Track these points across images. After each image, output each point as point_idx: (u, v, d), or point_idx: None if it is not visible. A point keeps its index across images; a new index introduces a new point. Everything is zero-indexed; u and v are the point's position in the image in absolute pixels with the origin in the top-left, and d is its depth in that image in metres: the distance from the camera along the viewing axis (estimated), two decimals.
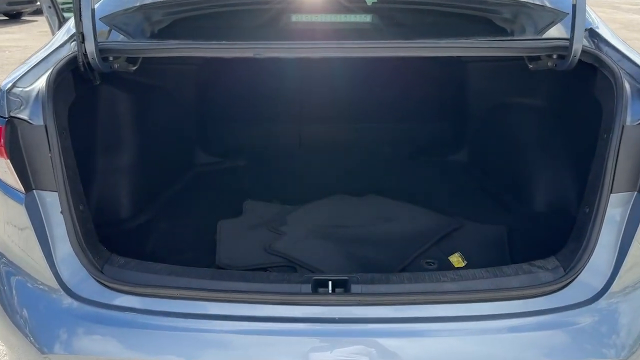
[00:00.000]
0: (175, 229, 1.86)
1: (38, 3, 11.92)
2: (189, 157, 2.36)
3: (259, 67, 2.31)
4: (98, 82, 1.53)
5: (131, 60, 1.60)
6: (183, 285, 1.25)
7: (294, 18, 1.74)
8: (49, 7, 3.84)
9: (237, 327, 1.19)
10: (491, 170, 2.21)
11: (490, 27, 1.73)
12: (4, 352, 2.01)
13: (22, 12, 13.24)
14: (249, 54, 1.39)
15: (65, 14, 3.85)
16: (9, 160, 1.25)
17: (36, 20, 13.12)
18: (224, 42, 1.41)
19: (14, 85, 1.31)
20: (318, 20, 1.77)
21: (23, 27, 12.10)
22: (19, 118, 1.26)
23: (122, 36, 1.65)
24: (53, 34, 3.79)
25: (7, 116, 1.26)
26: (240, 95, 2.42)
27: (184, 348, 1.20)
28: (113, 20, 1.66)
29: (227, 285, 1.24)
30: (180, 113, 2.24)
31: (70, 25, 1.62)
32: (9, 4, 12.29)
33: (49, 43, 1.58)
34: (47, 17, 3.84)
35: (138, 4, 1.76)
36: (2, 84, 1.34)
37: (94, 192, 1.79)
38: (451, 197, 2.09)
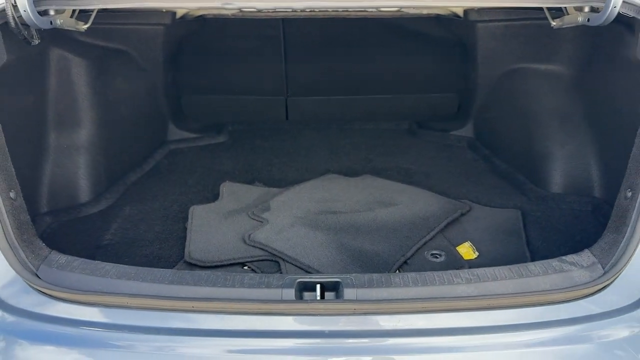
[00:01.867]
0: (141, 215, 1.61)
1: None
2: (160, 133, 2.11)
3: (238, 28, 2.04)
4: (37, 42, 1.26)
5: (81, 17, 1.34)
6: (136, 291, 1.01)
7: None
8: None
9: (203, 344, 0.96)
10: (501, 147, 1.98)
11: None
12: None
13: None
14: (216, 3, 1.13)
15: None
16: None
17: None
18: None
19: None
20: None
21: None
22: None
23: None
24: None
25: None
26: (217, 61, 2.15)
27: None
28: None
29: (190, 291, 1.00)
30: (148, 82, 1.98)
31: None
32: None
33: None
34: None
35: None
36: None
37: (45, 173, 1.56)
38: (457, 177, 1.86)
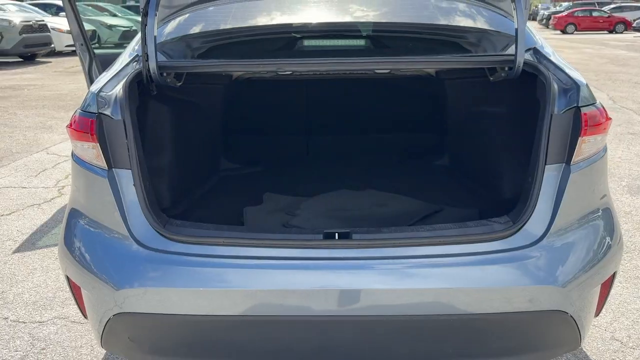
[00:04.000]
0: (208, 214, 2.26)
1: (52, 45, 12.64)
2: (215, 164, 2.79)
3: (273, 86, 2.76)
4: (154, 93, 1.96)
5: (178, 77, 2.05)
6: (227, 235, 1.65)
7: (306, 42, 2.21)
8: (82, 44, 4.39)
9: (265, 264, 1.58)
10: (468, 171, 2.64)
11: (460, 50, 2.19)
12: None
13: (36, 54, 13.94)
14: (272, 68, 1.84)
15: (96, 51, 4.39)
16: (98, 144, 1.67)
17: (50, 62, 13.80)
18: (253, 59, 1.86)
19: (100, 91, 1.75)
20: (324, 44, 2.24)
21: (38, 67, 12.75)
22: (104, 114, 1.70)
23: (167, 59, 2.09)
24: (84, 67, 4.30)
25: (96, 112, 1.69)
26: (257, 111, 2.87)
27: (226, 279, 1.58)
28: (162, 47, 2.11)
29: (260, 236, 1.64)
30: (209, 125, 2.69)
31: (131, 50, 2.07)
32: (25, 46, 12.98)
33: (116, 63, 2.02)
34: (79, 53, 4.39)
35: (181, 35, 2.23)
36: (92, 90, 1.78)
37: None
38: (434, 192, 2.51)
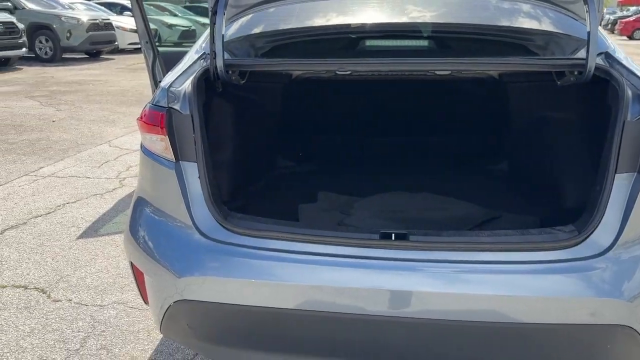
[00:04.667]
0: (263, 210, 2.31)
1: (116, 43, 13.23)
2: (271, 161, 2.84)
3: (330, 86, 2.78)
4: (220, 90, 2.02)
5: (242, 75, 2.10)
6: (285, 230, 1.68)
7: (368, 43, 2.22)
8: (146, 42, 4.58)
9: (321, 260, 1.60)
10: (528, 177, 2.57)
11: (526, 52, 2.14)
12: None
13: (101, 51, 14.61)
14: (335, 67, 1.86)
15: (160, 49, 4.55)
16: (167, 137, 1.74)
17: (113, 59, 14.42)
18: (317, 59, 1.89)
19: (170, 86, 1.82)
20: (386, 45, 2.24)
21: (102, 64, 13.35)
22: (174, 108, 1.76)
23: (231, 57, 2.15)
24: (147, 64, 4.47)
25: (167, 106, 1.77)
26: (313, 110, 2.90)
27: (282, 273, 1.60)
28: (227, 46, 2.17)
29: (317, 232, 1.66)
30: (267, 123, 2.74)
31: (198, 47, 2.14)
32: (91, 43, 13.63)
33: (184, 60, 2.10)
34: (144, 50, 4.57)
35: (245, 34, 2.29)
36: (163, 85, 1.86)
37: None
38: (492, 197, 2.45)
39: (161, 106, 1.78)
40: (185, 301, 1.67)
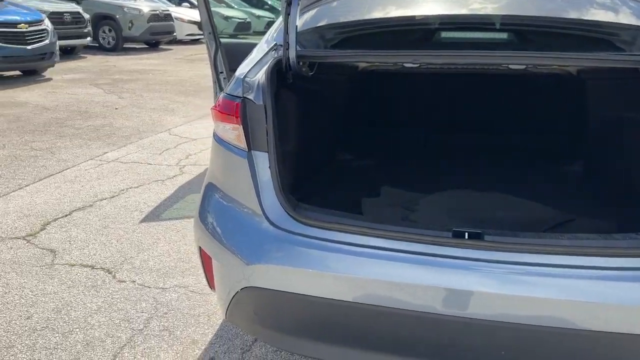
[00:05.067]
0: (323, 204, 2.30)
1: (174, 34, 13.54)
2: (332, 153, 2.83)
3: (398, 80, 2.74)
4: (290, 81, 2.03)
5: (310, 67, 2.10)
6: (354, 224, 1.67)
7: (443, 35, 2.16)
8: (209, 33, 4.65)
9: (389, 255, 1.58)
10: (605, 179, 2.44)
11: (610, 47, 2.02)
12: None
13: (160, 42, 15.03)
14: (408, 59, 1.82)
15: (222, 40, 4.62)
16: (241, 127, 1.76)
17: (171, 49, 14.79)
18: (391, 50, 1.85)
19: (245, 76, 1.84)
20: (461, 37, 2.17)
21: (161, 54, 13.73)
22: (248, 98, 1.78)
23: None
24: (209, 54, 4.54)
25: (242, 96, 1.79)
26: (377, 103, 2.86)
27: (350, 266, 1.59)
28: (297, 37, 2.17)
29: (388, 227, 1.64)
30: (331, 115, 2.73)
31: (269, 38, 2.15)
32: (151, 34, 14.04)
33: (255, 51, 2.11)
34: (206, 41, 4.65)
35: (314, 26, 2.28)
36: (238, 75, 1.88)
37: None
38: (566, 199, 2.35)
39: (236, 96, 1.80)
40: (253, 288, 1.69)
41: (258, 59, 1.96)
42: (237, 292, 1.74)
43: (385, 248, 1.59)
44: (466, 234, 1.59)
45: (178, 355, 2.27)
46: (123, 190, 4.15)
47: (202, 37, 17.07)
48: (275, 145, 1.75)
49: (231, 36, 14.82)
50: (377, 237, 1.62)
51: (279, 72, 1.90)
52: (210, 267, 1.93)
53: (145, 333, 2.42)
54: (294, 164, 2.34)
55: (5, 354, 2.26)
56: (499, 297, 1.48)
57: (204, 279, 2.83)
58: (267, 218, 1.72)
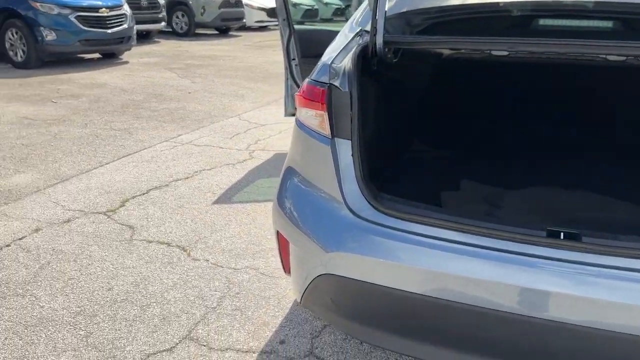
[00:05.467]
0: (402, 194, 2.25)
1: (244, 20, 13.76)
2: (409, 143, 2.77)
3: (482, 69, 2.63)
4: (375, 68, 1.99)
5: (395, 53, 2.05)
6: (437, 217, 1.62)
7: (542, 22, 2.04)
8: (284, 19, 4.67)
9: (476, 252, 1.52)
10: None
11: None
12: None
13: (230, 28, 15.34)
14: (503, 47, 1.73)
15: (296, 27, 4.64)
16: (325, 113, 1.75)
17: (241, 35, 15.06)
18: (484, 37, 1.77)
19: (332, 62, 1.82)
20: (561, 24, 2.04)
21: (231, 40, 14.01)
22: (334, 85, 1.76)
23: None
24: (282, 40, 4.56)
25: (327, 82, 1.77)
26: (460, 93, 2.76)
27: (429, 260, 1.55)
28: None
29: (476, 223, 1.58)
30: (410, 104, 2.66)
31: (353, 24, 2.11)
32: (222, 20, 14.35)
33: (339, 37, 2.08)
34: (280, 27, 4.67)
35: (400, 11, 2.21)
36: (325, 60, 1.87)
37: None
38: None
39: (322, 82, 1.78)
40: (331, 275, 1.68)
41: (343, 45, 1.93)
42: (315, 278, 1.74)
43: (470, 244, 1.54)
44: (562, 234, 1.51)
45: (250, 335, 2.32)
46: (196, 171, 4.28)
47: (270, 23, 17.23)
48: (359, 133, 1.72)
49: (298, 23, 14.89)
50: (462, 232, 1.56)
51: (364, 59, 1.86)
52: (286, 251, 1.94)
53: (218, 311, 2.48)
54: (372, 152, 2.31)
55: (89, 322, 2.39)
56: (596, 303, 1.39)
57: (274, 262, 2.90)
58: (347, 206, 1.70)
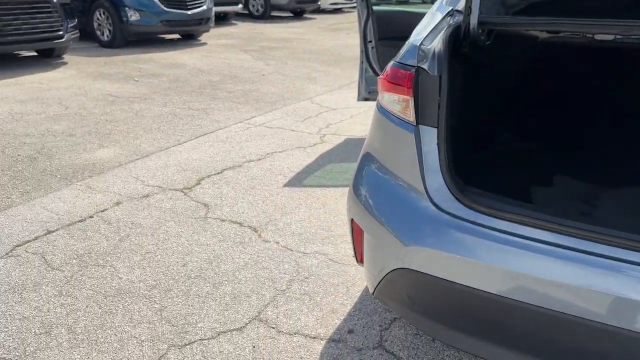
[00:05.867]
0: (487, 187, 2.12)
1: (319, 3, 13.72)
2: (495, 132, 2.61)
3: (582, 55, 2.41)
4: (466, 50, 1.86)
5: (488, 35, 1.91)
6: (529, 215, 1.49)
7: None
8: (362, 0, 4.55)
9: (570, 255, 1.39)
10: None
11: None
12: None
13: (304, 10, 15.35)
14: (613, 31, 1.56)
15: (374, 7, 4.51)
16: (411, 99, 1.66)
17: (315, 18, 15.03)
18: (590, 19, 1.60)
19: (421, 43, 1.72)
20: None
21: (305, 23, 14.01)
22: (422, 68, 1.67)
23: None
24: (360, 22, 4.45)
25: (416, 65, 1.68)
26: (554, 80, 2.56)
27: (520, 262, 1.44)
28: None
29: (575, 224, 1.44)
30: (498, 91, 2.49)
31: (443, 3, 1.99)
32: (298, 2, 14.37)
33: (428, 16, 1.97)
34: (358, 9, 4.57)
35: None
36: (413, 41, 1.77)
37: None
38: None
39: (409, 65, 1.69)
40: (409, 270, 1.61)
41: (433, 25, 1.82)
42: (390, 271, 1.67)
43: (566, 246, 1.41)
44: None
45: (318, 321, 2.30)
46: (268, 153, 4.31)
47: (345, 6, 17.07)
48: (446, 120, 1.62)
49: (375, 4, 14.63)
50: (559, 233, 1.43)
51: (455, 41, 1.75)
52: (360, 240, 1.88)
53: (287, 294, 2.48)
54: (458, 141, 2.20)
55: (164, 296, 2.46)
56: None
57: (343, 249, 2.86)
58: (430, 198, 1.62)
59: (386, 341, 2.18)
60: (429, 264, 1.57)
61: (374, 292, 1.83)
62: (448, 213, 1.58)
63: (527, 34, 2.29)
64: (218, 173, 3.89)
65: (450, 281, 1.53)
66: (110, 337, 2.18)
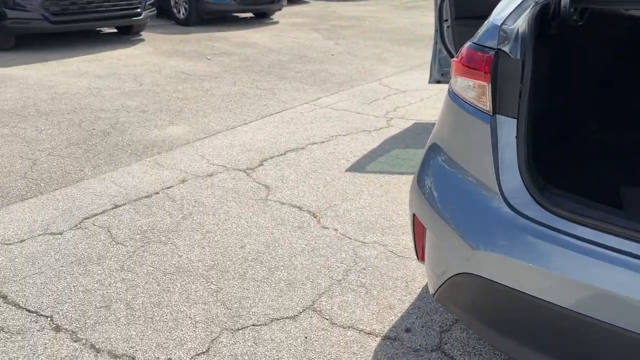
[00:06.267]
0: (570, 187, 1.91)
1: None
2: (581, 124, 2.36)
3: None
4: (553, 32, 1.66)
5: (581, 15, 1.68)
6: (617, 222, 1.30)
7: None
8: None
9: None
10: None
11: None
12: None
13: None
14: None
15: None
16: (489, 85, 1.50)
17: None
18: None
19: (502, 24, 1.55)
20: None
21: (378, 0, 13.67)
22: (503, 50, 1.49)
23: None
24: (436, 2, 4.20)
25: (496, 47, 1.51)
26: None
27: (599, 277, 1.27)
28: None
29: None
30: (588, 78, 2.25)
31: None
32: None
33: None
34: None
35: None
36: (493, 20, 1.59)
37: None
38: None
39: (488, 47, 1.52)
40: (475, 276, 1.47)
41: (517, 3, 1.62)
42: (454, 275, 1.54)
43: None
44: None
45: (374, 316, 2.20)
46: (332, 136, 4.21)
47: None
48: (528, 110, 1.44)
49: None
50: None
51: (542, 20, 1.55)
52: (422, 237, 1.76)
53: (343, 285, 2.40)
54: (539, 134, 2.00)
55: (220, 277, 2.45)
56: None
57: (404, 241, 2.73)
58: (504, 199, 1.46)
59: (446, 344, 2.05)
60: (498, 272, 1.42)
61: (434, 294, 1.70)
62: (524, 216, 1.41)
63: (625, 13, 2.02)
64: (281, 155, 3.85)
65: (521, 291, 1.37)
66: (166, 315, 2.20)
